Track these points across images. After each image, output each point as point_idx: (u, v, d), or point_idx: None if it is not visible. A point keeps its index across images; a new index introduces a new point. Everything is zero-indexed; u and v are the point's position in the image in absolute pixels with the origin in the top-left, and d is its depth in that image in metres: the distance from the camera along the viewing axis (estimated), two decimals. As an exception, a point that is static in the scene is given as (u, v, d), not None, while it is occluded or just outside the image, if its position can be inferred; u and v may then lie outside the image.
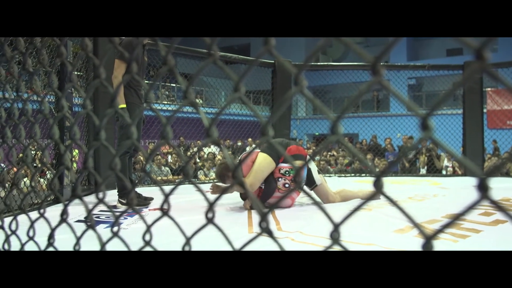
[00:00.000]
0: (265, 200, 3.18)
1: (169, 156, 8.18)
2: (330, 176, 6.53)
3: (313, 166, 3.39)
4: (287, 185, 3.16)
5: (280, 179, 3.15)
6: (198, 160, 8.44)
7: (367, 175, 6.54)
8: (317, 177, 3.37)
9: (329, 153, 9.62)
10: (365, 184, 5.12)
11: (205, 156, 8.47)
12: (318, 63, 9.11)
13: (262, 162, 3.09)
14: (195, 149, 9.25)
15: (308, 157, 3.41)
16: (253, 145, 8.84)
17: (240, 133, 7.46)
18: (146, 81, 6.16)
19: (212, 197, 3.53)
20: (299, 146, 3.30)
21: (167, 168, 7.11)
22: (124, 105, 3.24)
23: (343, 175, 6.72)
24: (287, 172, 3.13)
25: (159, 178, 6.47)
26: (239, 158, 3.37)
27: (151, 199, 3.63)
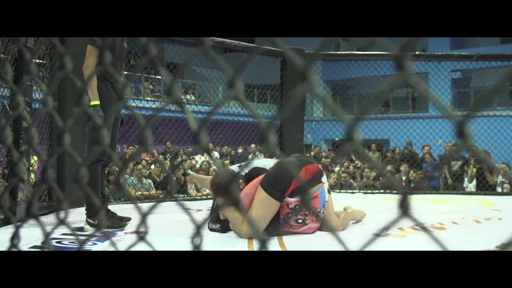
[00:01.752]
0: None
1: (153, 166, 8.21)
2: (353, 193, 6.55)
3: (325, 182, 3.41)
4: (300, 220, 3.19)
5: (290, 215, 3.16)
6: (189, 172, 8.46)
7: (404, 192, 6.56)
8: (325, 194, 3.40)
9: (352, 163, 9.64)
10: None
11: (198, 165, 8.48)
12: (339, 52, 9.10)
13: (265, 201, 3.10)
14: (184, 157, 9.28)
15: (323, 173, 3.41)
16: (257, 153, 8.86)
17: (241, 137, 7.48)
18: (125, 73, 6.17)
19: (201, 217, 3.54)
20: (313, 165, 3.30)
21: (149, 181, 7.13)
22: (97, 102, 3.25)
23: (370, 191, 6.71)
24: (297, 207, 3.14)
25: (139, 193, 6.49)
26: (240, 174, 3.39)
27: (128, 219, 3.64)
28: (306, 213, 3.16)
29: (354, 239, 2.92)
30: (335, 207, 3.57)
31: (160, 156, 9.33)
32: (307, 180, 3.18)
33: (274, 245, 2.91)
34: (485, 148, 7.23)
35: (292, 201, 3.11)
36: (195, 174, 3.63)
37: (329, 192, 3.48)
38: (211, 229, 3.37)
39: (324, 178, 3.39)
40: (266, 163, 3.45)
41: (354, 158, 10.52)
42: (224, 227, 3.33)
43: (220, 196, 3.31)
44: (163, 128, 7.80)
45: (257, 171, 3.33)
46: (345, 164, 10.00)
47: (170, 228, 3.46)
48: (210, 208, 3.55)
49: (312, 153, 11.25)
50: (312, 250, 2.65)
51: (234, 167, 3.62)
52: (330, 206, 3.41)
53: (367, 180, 8.24)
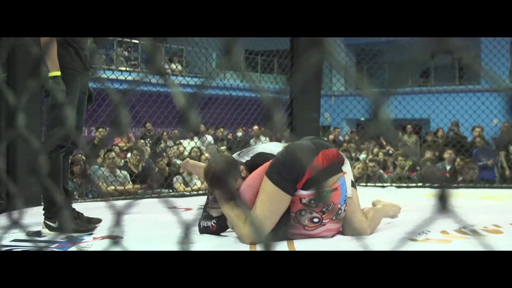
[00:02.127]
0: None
1: (129, 154, 8.24)
2: (383, 186, 6.57)
3: (348, 173, 3.42)
4: (316, 220, 3.19)
5: (304, 213, 3.17)
6: (176, 161, 8.46)
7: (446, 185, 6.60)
8: (349, 190, 3.40)
9: (382, 150, 9.65)
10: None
11: (186, 153, 8.50)
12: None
13: (272, 195, 3.12)
14: (169, 143, 9.30)
15: (345, 161, 3.42)
16: (262, 139, 8.86)
17: (241, 117, 7.50)
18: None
19: (190, 217, 3.57)
20: (332, 149, 3.32)
21: (124, 172, 7.16)
22: (58, 73, 3.25)
23: (404, 184, 6.73)
24: (312, 202, 3.15)
25: (112, 187, 6.52)
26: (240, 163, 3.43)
27: (98, 221, 3.67)
28: (323, 209, 3.18)
29: (383, 245, 2.93)
30: (361, 204, 3.58)
31: (139, 141, 9.35)
32: (325, 167, 3.20)
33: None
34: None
35: (306, 194, 3.13)
36: (189, 159, 3.68)
37: (353, 186, 3.49)
38: (204, 228, 3.40)
39: (347, 167, 3.41)
40: (273, 148, 3.45)
41: (384, 143, 10.55)
42: (220, 224, 3.36)
43: (215, 189, 3.33)
44: (142, 105, 7.80)
45: (262, 158, 3.34)
46: (374, 150, 10.03)
47: (150, 232, 3.49)
48: (203, 205, 3.58)
49: (331, 137, 11.25)
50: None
51: (234, 155, 3.64)
52: (354, 203, 3.42)
53: (401, 171, 8.26)
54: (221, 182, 3.25)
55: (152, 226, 3.68)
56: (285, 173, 3.09)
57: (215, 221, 3.37)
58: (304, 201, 3.14)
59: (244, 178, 3.27)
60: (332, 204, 3.20)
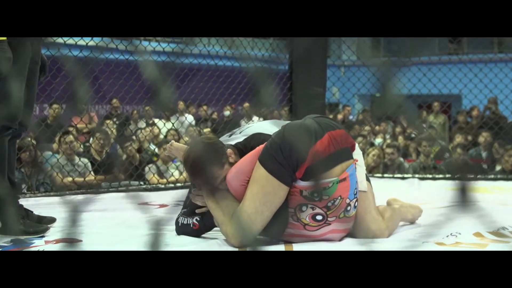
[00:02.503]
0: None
1: (91, 138, 8.23)
2: (404, 178, 6.61)
3: (360, 162, 3.42)
4: (320, 217, 3.17)
5: (305, 208, 3.15)
6: (150, 147, 8.46)
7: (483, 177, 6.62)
8: (362, 180, 3.41)
9: (403, 133, 9.67)
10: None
11: (161, 136, 8.50)
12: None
13: (265, 185, 3.11)
14: (141, 124, 9.28)
15: (356, 146, 3.42)
16: (255, 118, 8.84)
17: (230, 92, 7.49)
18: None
19: (165, 215, 3.57)
20: (340, 131, 3.28)
21: (84, 160, 7.15)
22: (4, 38, 3.23)
23: (429, 175, 6.77)
24: (315, 195, 3.14)
25: (69, 179, 6.52)
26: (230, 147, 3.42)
27: (51, 221, 3.67)
28: (329, 204, 3.15)
29: (403, 249, 2.94)
30: (376, 200, 3.60)
31: (105, 121, 9.32)
32: (331, 153, 3.18)
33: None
34: None
35: (307, 186, 3.13)
36: (174, 142, 3.71)
37: (367, 179, 3.49)
38: (182, 226, 3.41)
39: (358, 154, 3.41)
40: (272, 127, 3.43)
41: (405, 125, 10.56)
42: (204, 223, 3.37)
43: (197, 179, 3.33)
44: (107, 77, 7.75)
45: (259, 140, 3.30)
46: (397, 130, 10.04)
47: (116, 234, 3.50)
48: (184, 200, 3.59)
49: (340, 116, 11.25)
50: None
51: (223, 137, 3.64)
52: (368, 198, 3.43)
53: (425, 159, 8.27)
54: (203, 170, 3.27)
55: (118, 227, 3.71)
56: (282, 158, 3.08)
57: (198, 218, 3.36)
58: (305, 193, 3.14)
59: (232, 164, 3.25)
60: (339, 198, 3.17)
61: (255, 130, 3.48)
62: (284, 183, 3.10)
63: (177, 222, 3.45)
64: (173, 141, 3.65)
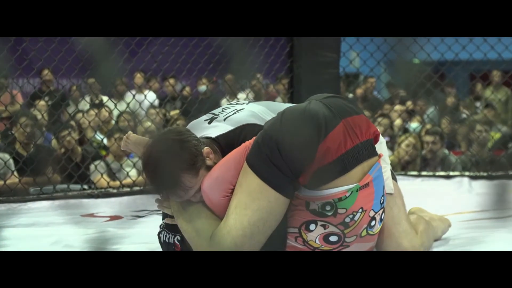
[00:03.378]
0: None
1: (14, 126, 8.22)
2: (449, 176, 6.60)
3: (384, 156, 3.41)
4: (335, 238, 3.12)
5: (313, 227, 3.12)
6: (96, 136, 8.47)
7: None
8: (388, 181, 3.40)
9: (448, 114, 9.68)
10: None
11: (112, 122, 8.50)
12: None
13: (257, 197, 3.05)
14: (83, 105, 9.27)
15: (382, 139, 3.43)
16: (242, 96, 8.81)
17: (206, 59, 7.50)
18: None
19: (119, 231, 3.60)
20: (359, 117, 3.23)
21: (5, 156, 7.16)
22: None
23: (485, 172, 6.77)
24: (328, 208, 3.13)
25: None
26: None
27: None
28: (346, 220, 3.11)
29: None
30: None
31: (33, 102, 9.32)
32: (348, 150, 3.10)
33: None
34: None
35: (316, 196, 3.09)
36: (132, 133, 3.62)
37: (394, 178, 3.52)
38: (165, 244, 3.43)
39: (382, 147, 3.43)
40: (266, 114, 3.39)
41: (457, 101, 10.59)
42: (186, 245, 3.36)
43: (160, 191, 3.31)
44: (34, 41, 7.73)
45: (250, 133, 3.24)
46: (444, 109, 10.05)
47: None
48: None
49: (360, 91, 11.22)
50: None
51: (195, 124, 3.58)
52: (397, 204, 3.47)
53: (480, 150, 8.31)
54: (169, 179, 3.17)
55: (51, 249, 3.70)
56: (279, 159, 3.00)
57: (179, 237, 3.36)
58: (313, 206, 3.10)
59: (210, 168, 3.18)
60: (361, 211, 3.13)
61: (247, 119, 3.36)
62: (283, 194, 3.04)
63: (159, 237, 3.46)
64: (130, 132, 3.57)
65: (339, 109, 3.17)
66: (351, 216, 3.08)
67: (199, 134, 3.33)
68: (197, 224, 3.15)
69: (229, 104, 3.67)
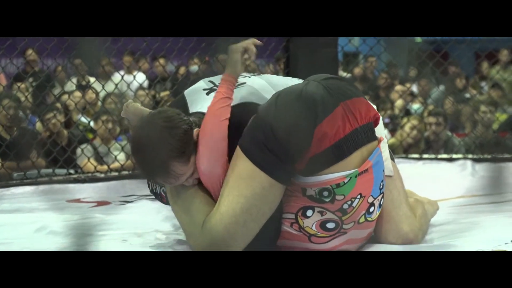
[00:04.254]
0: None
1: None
2: (451, 159, 6.64)
3: (383, 137, 3.40)
4: (332, 225, 3.14)
5: (310, 213, 3.13)
6: (81, 119, 8.46)
7: None
8: (387, 162, 3.39)
9: (451, 92, 9.67)
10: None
11: (99, 104, 8.49)
12: None
13: (250, 184, 3.05)
14: (69, 86, 9.27)
15: (381, 121, 3.43)
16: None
17: (198, 38, 7.51)
18: None
19: (107, 217, 3.62)
20: (359, 100, 3.19)
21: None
22: None
23: (489, 155, 6.78)
24: (325, 194, 3.11)
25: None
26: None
27: None
28: (344, 207, 3.12)
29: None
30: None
31: (16, 83, 9.31)
32: (347, 134, 3.10)
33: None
34: None
35: (313, 182, 3.09)
36: (132, 102, 3.57)
37: (392, 159, 3.54)
38: (154, 194, 3.55)
39: (381, 129, 3.43)
40: (263, 89, 3.34)
41: (465, 81, 10.57)
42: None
43: (149, 179, 3.33)
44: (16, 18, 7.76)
45: (248, 112, 3.19)
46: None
47: (31, 245, 3.52)
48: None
49: (358, 71, 11.19)
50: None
51: (192, 97, 3.53)
52: (396, 187, 3.47)
53: (484, 131, 8.29)
54: (158, 167, 3.13)
55: (36, 236, 3.70)
56: (275, 144, 2.99)
57: (164, 189, 3.39)
58: (310, 192, 3.10)
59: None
60: (359, 197, 3.14)
61: (247, 97, 3.33)
62: (278, 180, 3.05)
63: (148, 184, 3.52)
64: (131, 100, 3.53)
65: (338, 91, 3.17)
66: (349, 202, 3.09)
67: (196, 106, 3.34)
68: (190, 210, 3.16)
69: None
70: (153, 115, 3.29)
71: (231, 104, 3.21)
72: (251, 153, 3.03)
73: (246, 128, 3.09)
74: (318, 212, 3.11)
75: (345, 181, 3.04)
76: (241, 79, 3.41)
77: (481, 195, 4.61)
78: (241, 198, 3.04)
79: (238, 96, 3.29)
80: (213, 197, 3.19)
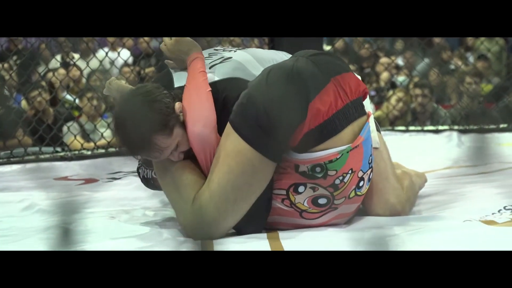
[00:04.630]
0: (247, 226, 3.23)
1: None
2: (438, 131, 6.71)
3: (370, 111, 3.41)
4: (324, 200, 3.16)
5: (302, 189, 3.14)
6: (67, 97, 8.43)
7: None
8: (373, 134, 3.40)
9: (435, 65, 9.67)
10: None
11: (83, 80, 8.46)
12: None
13: (241, 162, 3.05)
14: (53, 63, 9.22)
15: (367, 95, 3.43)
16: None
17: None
18: None
19: (93, 195, 3.62)
20: (348, 75, 3.20)
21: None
22: None
23: (475, 125, 6.77)
24: (318, 170, 3.09)
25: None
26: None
27: None
28: (336, 182, 3.13)
29: (441, 232, 3.02)
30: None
31: (7, 61, 9.24)
32: (339, 110, 3.11)
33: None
34: None
35: (307, 159, 3.09)
36: (115, 78, 3.56)
37: (378, 130, 3.56)
38: (144, 179, 3.55)
39: (367, 103, 3.42)
40: (249, 63, 3.31)
41: (446, 53, 10.56)
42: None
43: (132, 152, 3.29)
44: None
45: (235, 89, 3.19)
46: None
47: (21, 226, 3.51)
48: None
49: (340, 45, 11.21)
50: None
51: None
52: (383, 159, 3.50)
53: (470, 102, 8.30)
54: (141, 141, 3.12)
55: (25, 215, 3.70)
56: (266, 121, 2.99)
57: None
58: (302, 169, 3.10)
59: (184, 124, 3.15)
60: (351, 172, 3.16)
61: (233, 73, 3.32)
62: (269, 158, 3.04)
63: (138, 173, 3.53)
64: (113, 77, 3.52)
65: (327, 66, 3.18)
66: (341, 177, 3.11)
67: (181, 81, 3.31)
68: (179, 186, 3.15)
69: (216, 49, 3.57)
70: (133, 91, 3.31)
71: (218, 79, 3.24)
72: (243, 130, 3.03)
73: (236, 105, 3.07)
74: (310, 188, 3.13)
75: (338, 157, 3.06)
76: (226, 54, 3.42)
77: (468, 166, 4.63)
78: (231, 175, 3.05)
79: (224, 71, 3.29)
80: (202, 171, 3.19)
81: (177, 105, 3.13)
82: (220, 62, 3.33)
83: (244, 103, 3.04)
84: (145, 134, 3.04)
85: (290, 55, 3.42)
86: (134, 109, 3.13)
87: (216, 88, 3.21)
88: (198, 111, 3.12)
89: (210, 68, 3.31)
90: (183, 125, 3.13)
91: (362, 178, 3.20)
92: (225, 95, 3.18)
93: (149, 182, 3.41)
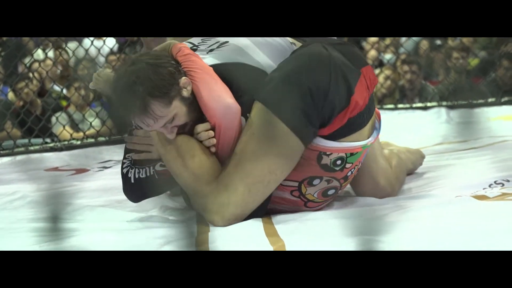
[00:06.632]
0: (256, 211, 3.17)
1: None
2: (427, 108, 6.72)
3: None
4: (332, 191, 3.20)
5: (317, 182, 3.14)
6: (55, 87, 8.40)
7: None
8: None
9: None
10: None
11: (71, 69, 8.43)
12: None
13: (281, 145, 3.00)
14: (40, 53, 9.19)
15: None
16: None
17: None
18: None
19: (84, 183, 3.60)
20: (368, 67, 3.20)
21: None
22: None
23: (464, 101, 6.81)
24: (339, 163, 3.09)
25: None
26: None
27: None
28: (348, 174, 3.18)
29: (431, 210, 3.03)
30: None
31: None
32: (367, 103, 3.13)
33: (258, 238, 2.86)
34: None
35: (336, 148, 3.07)
36: (103, 70, 3.45)
37: None
38: (137, 183, 3.25)
39: None
40: (248, 47, 3.25)
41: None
42: (166, 177, 3.20)
43: (124, 112, 3.14)
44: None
45: (241, 76, 3.14)
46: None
47: (11, 218, 3.51)
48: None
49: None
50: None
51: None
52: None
53: (458, 77, 8.27)
54: (136, 102, 2.99)
55: (15, 207, 3.69)
56: (310, 107, 2.97)
57: (158, 166, 3.22)
58: (325, 161, 3.08)
59: (186, 101, 3.06)
60: (359, 164, 3.23)
61: (235, 57, 3.23)
62: (304, 142, 3.01)
63: (127, 178, 3.28)
64: (101, 69, 3.45)
65: (356, 58, 3.19)
66: (352, 170, 3.17)
67: None
68: (193, 165, 3.06)
69: (204, 37, 3.44)
70: (141, 54, 3.26)
71: (219, 63, 3.17)
72: (283, 113, 2.97)
73: (273, 87, 3.02)
74: (326, 180, 3.13)
75: (360, 151, 3.10)
76: (222, 38, 3.33)
77: (458, 142, 4.64)
78: (268, 159, 3.01)
79: (224, 55, 3.23)
80: (222, 149, 3.09)
81: (184, 79, 3.04)
82: (218, 47, 3.27)
83: (283, 87, 2.99)
84: (143, 96, 2.96)
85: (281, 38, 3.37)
86: (136, 69, 3.02)
87: (220, 70, 3.13)
88: (220, 85, 3.07)
89: (208, 53, 3.24)
90: (184, 100, 3.04)
91: (355, 165, 3.22)
92: (228, 79, 3.11)
93: (149, 181, 3.20)
